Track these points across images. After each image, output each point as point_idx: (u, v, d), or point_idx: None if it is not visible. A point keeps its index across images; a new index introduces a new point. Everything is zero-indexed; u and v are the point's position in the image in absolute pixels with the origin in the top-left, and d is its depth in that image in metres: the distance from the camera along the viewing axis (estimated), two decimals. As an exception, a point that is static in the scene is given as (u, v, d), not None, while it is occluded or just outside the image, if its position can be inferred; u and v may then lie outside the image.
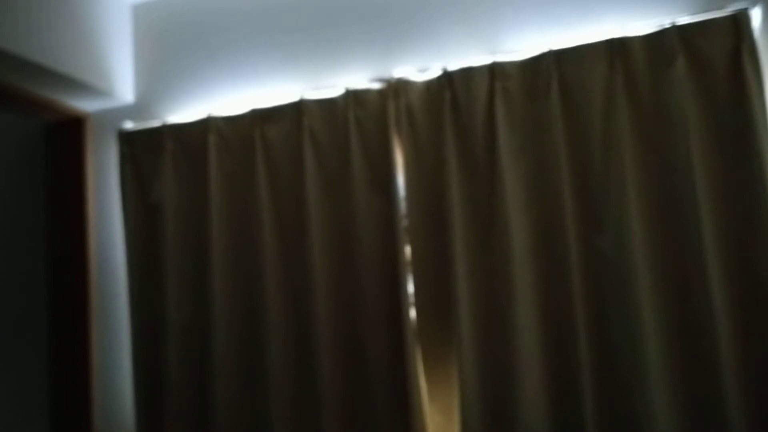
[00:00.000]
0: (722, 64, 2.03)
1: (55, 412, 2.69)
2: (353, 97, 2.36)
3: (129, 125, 2.64)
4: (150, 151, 2.58)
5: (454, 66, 2.27)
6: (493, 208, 2.18)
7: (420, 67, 2.34)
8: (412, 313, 2.22)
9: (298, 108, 2.41)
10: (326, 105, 2.40)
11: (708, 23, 2.06)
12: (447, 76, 2.26)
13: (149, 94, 2.73)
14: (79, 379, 2.65)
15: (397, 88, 2.31)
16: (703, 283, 1.96)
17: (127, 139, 2.62)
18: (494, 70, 2.22)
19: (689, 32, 2.07)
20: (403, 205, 2.27)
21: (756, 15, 2.05)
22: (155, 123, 2.60)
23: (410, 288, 2.23)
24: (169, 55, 2.72)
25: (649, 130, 2.09)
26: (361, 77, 2.42)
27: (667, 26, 2.09)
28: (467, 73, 2.25)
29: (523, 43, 2.28)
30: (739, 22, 2.03)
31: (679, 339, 2.00)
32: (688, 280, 2.00)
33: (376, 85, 2.36)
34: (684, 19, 2.08)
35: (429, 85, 2.30)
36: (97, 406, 2.64)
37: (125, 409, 2.59)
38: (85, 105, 2.75)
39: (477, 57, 2.28)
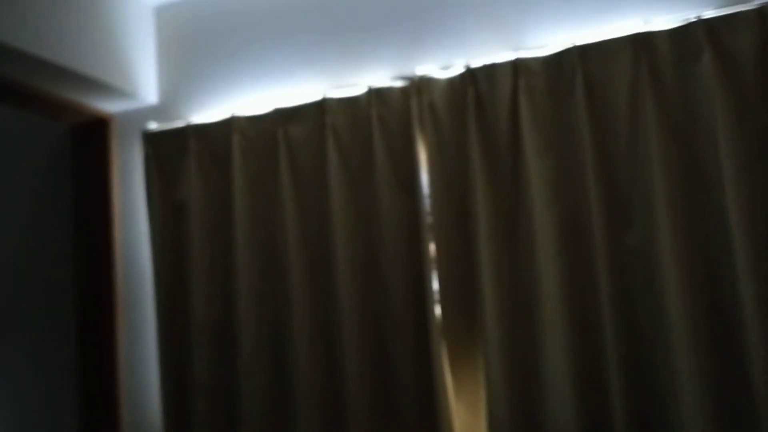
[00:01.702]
0: (749, 58, 2.01)
1: (83, 412, 2.71)
2: (376, 95, 2.36)
3: (153, 126, 2.66)
4: (174, 151, 2.60)
5: (477, 63, 2.26)
6: (517, 205, 2.18)
7: (443, 65, 2.33)
8: (437, 309, 2.23)
9: (321, 107, 2.42)
10: (349, 103, 2.40)
11: (734, 17, 2.03)
12: (470, 73, 2.26)
13: (173, 95, 2.74)
14: (106, 378, 2.67)
15: (420, 85, 2.31)
16: (732, 279, 1.94)
17: (152, 140, 2.64)
18: (518, 66, 2.21)
19: (715, 26, 2.04)
20: (427, 202, 2.27)
21: (783, 8, 2.02)
22: (179, 123, 2.62)
23: (435, 285, 2.23)
24: (191, 55, 2.74)
25: (675, 126, 2.07)
26: (384, 75, 2.42)
27: (693, 20, 2.07)
28: (490, 69, 2.24)
29: (546, 38, 2.27)
30: (765, 16, 2.00)
31: (709, 334, 1.98)
32: (716, 276, 1.99)
33: (399, 83, 2.36)
34: (709, 13, 2.06)
35: (452, 82, 2.29)
36: (125, 405, 2.66)
37: (153, 407, 2.61)
38: (110, 106, 2.77)
39: (500, 53, 2.27)
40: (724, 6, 2.07)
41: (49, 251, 2.92)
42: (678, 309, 1.98)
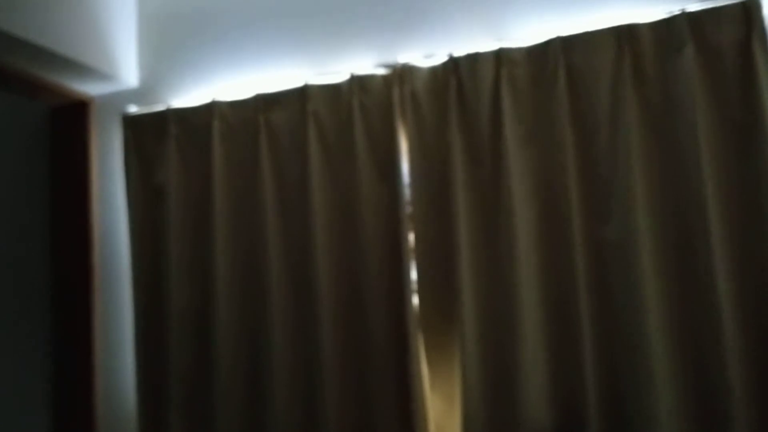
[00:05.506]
0: (732, 52, 2.01)
1: (57, 399, 2.69)
2: (358, 82, 2.34)
3: (133, 109, 2.63)
4: (154, 135, 2.57)
5: (460, 52, 2.24)
6: (497, 195, 2.16)
7: (425, 53, 2.31)
8: (415, 300, 2.22)
9: (303, 93, 2.40)
10: (331, 90, 2.38)
11: (718, 11, 2.03)
12: (453, 62, 2.24)
13: (153, 78, 2.71)
14: (81, 364, 2.65)
15: (402, 74, 2.29)
16: (710, 273, 1.94)
17: (131, 123, 2.61)
18: (500, 56, 2.20)
19: (698, 20, 2.04)
20: (407, 191, 2.26)
21: (767, 3, 2.02)
22: (159, 107, 2.59)
23: (413, 275, 2.22)
24: (173, 38, 2.71)
25: (657, 119, 2.07)
26: (367, 63, 2.40)
27: (677, 13, 2.06)
28: (473, 59, 2.23)
29: (529, 29, 2.25)
30: (749, 11, 2.00)
31: (685, 332, 1.98)
32: (693, 270, 1.98)
33: (382, 71, 2.34)
34: (693, 6, 2.05)
35: (434, 71, 2.27)
36: (100, 392, 2.63)
37: (128, 394, 2.58)
38: (90, 89, 2.74)
39: (483, 43, 2.25)
40: (709, 0, 2.06)
41: (25, 234, 2.88)
42: (655, 300, 1.99)
